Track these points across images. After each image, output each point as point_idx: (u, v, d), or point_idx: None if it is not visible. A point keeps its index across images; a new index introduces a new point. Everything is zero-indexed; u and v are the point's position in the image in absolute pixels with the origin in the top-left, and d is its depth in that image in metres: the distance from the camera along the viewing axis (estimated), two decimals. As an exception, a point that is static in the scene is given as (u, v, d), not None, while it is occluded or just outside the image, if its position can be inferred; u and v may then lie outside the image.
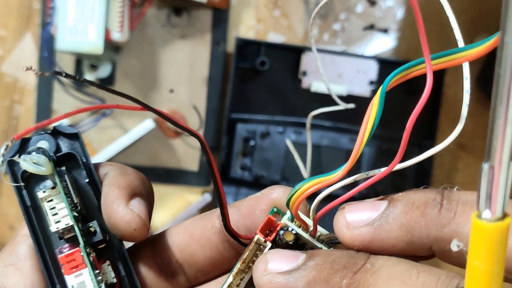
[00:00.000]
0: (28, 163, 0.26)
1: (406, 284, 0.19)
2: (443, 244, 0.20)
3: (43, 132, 0.28)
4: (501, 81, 0.14)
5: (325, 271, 0.21)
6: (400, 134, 0.20)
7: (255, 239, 0.24)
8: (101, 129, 0.62)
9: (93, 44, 0.54)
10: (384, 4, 0.65)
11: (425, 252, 0.21)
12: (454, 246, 0.18)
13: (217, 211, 0.27)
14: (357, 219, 0.22)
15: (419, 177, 0.63)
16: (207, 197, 0.65)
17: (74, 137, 0.28)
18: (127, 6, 0.57)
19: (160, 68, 0.63)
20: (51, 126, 0.28)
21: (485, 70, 0.63)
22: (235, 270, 0.24)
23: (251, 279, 0.24)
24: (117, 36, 0.55)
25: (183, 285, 0.28)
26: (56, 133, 0.28)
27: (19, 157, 0.26)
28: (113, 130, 0.63)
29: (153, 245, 0.28)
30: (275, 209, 0.25)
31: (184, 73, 0.63)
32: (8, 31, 0.62)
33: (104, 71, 0.61)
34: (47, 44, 0.58)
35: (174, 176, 0.65)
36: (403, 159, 0.23)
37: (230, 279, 0.24)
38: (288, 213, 0.24)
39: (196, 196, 0.66)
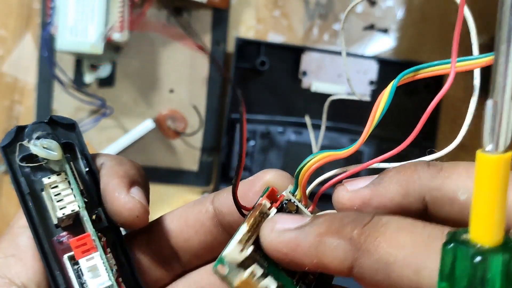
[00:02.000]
0: (39, 148, 0.25)
1: (413, 233, 0.20)
2: (435, 193, 0.22)
3: (39, 122, 0.27)
4: (503, 22, 0.16)
5: (335, 224, 0.21)
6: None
7: (263, 203, 0.24)
8: (101, 129, 0.62)
9: (93, 44, 0.54)
10: (384, 4, 0.65)
11: (418, 205, 0.23)
12: (463, 196, 0.21)
13: (210, 197, 0.28)
14: (356, 186, 0.24)
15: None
16: (207, 197, 0.65)
17: (71, 128, 0.28)
18: (127, 6, 0.57)
19: (160, 68, 0.63)
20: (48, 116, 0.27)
21: (485, 69, 0.63)
22: (247, 226, 0.23)
23: (253, 244, 0.23)
24: (117, 36, 0.55)
25: (177, 270, 0.29)
26: (52, 123, 0.27)
27: (29, 142, 0.26)
28: (113, 130, 0.63)
29: (147, 233, 0.29)
30: (269, 187, 0.25)
31: (184, 73, 0.63)
32: (8, 31, 0.62)
33: (104, 71, 0.61)
34: (47, 44, 0.58)
35: (174, 176, 0.65)
36: (405, 159, 0.24)
37: (241, 233, 0.23)
38: (289, 188, 0.25)
39: (196, 196, 0.66)
